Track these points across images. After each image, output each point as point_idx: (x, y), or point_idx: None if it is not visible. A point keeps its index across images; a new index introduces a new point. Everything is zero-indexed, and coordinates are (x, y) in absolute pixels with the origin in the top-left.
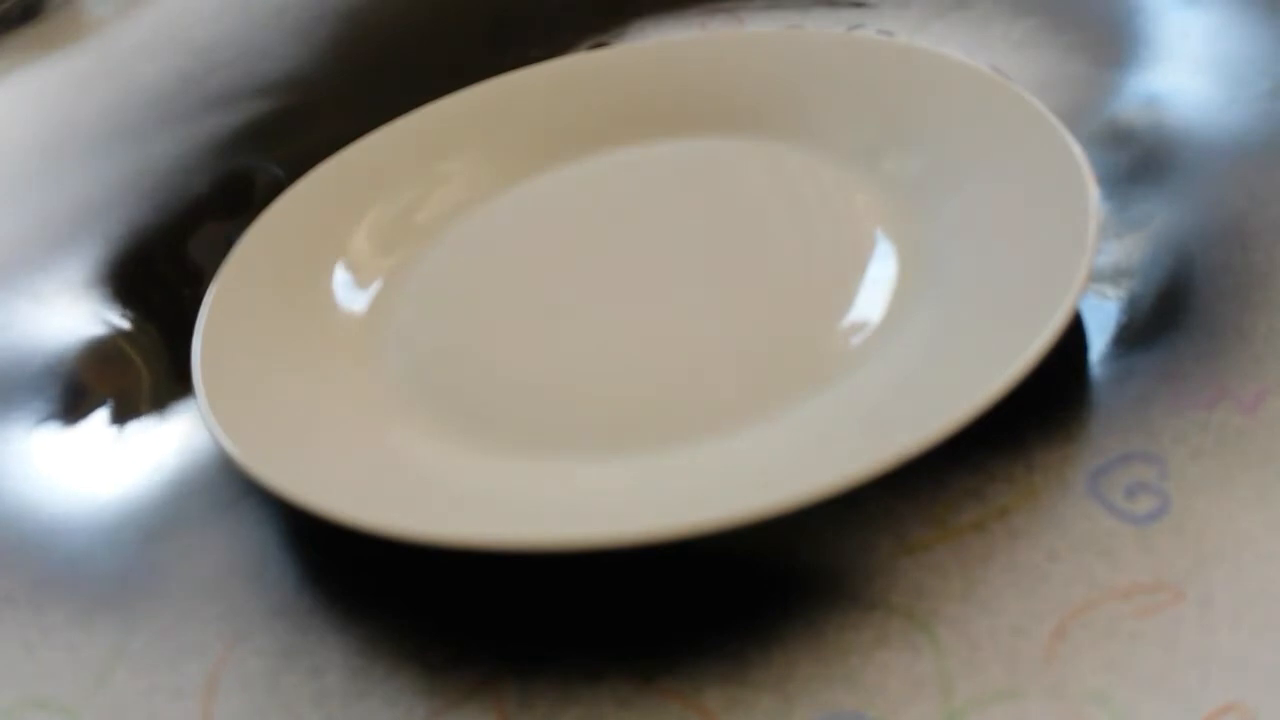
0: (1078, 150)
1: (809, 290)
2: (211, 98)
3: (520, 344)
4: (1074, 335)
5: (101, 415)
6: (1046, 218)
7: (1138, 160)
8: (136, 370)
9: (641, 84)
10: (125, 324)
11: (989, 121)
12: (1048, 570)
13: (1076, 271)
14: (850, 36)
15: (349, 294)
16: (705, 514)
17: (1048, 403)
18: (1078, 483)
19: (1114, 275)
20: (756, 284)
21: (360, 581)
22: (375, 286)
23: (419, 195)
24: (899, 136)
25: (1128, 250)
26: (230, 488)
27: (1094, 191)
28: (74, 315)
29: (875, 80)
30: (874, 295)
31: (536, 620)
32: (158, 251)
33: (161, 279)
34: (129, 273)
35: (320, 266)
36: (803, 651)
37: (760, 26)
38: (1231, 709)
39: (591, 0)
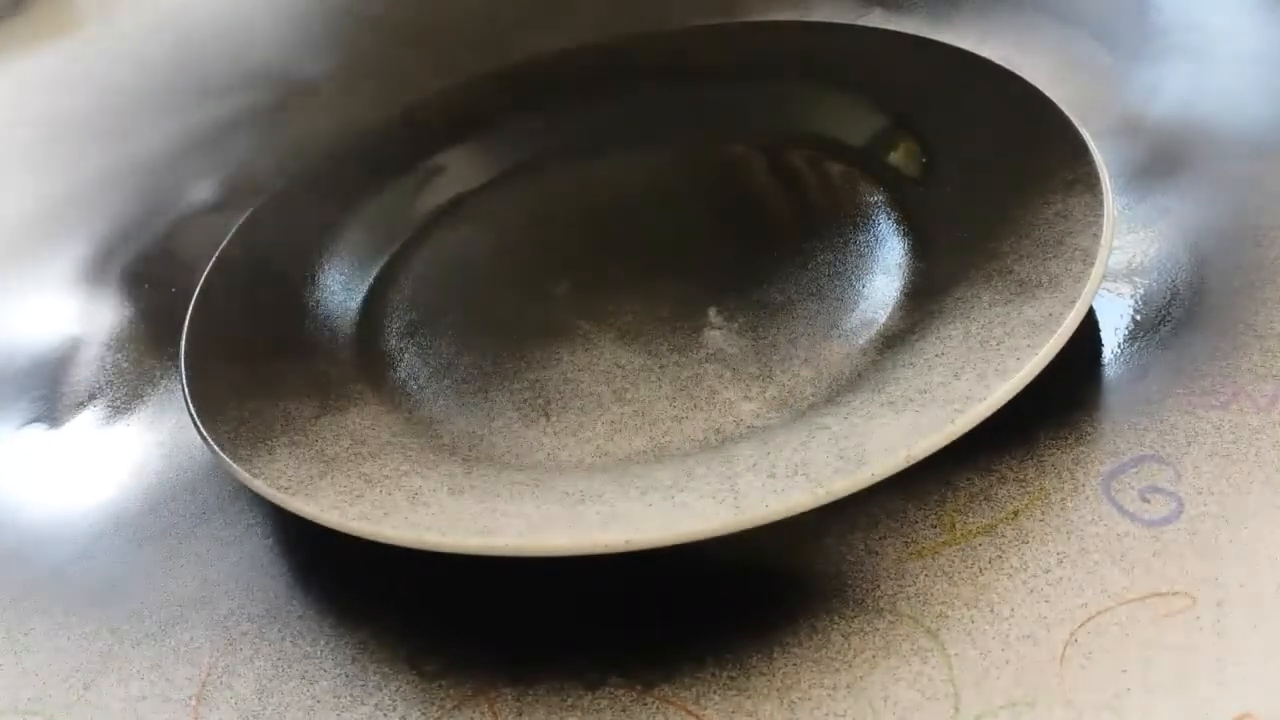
0: (1091, 145)
1: (813, 289)
2: (203, 90)
3: (514, 341)
4: (1086, 333)
5: (88, 416)
6: (1059, 213)
7: (1151, 155)
8: (123, 369)
9: (640, 76)
10: (113, 321)
11: (999, 115)
12: (1059, 575)
13: (1090, 268)
14: (858, 28)
15: (342, 289)
16: (706, 518)
17: (1060, 403)
18: (1090, 485)
19: (1127, 272)
20: (759, 282)
21: (352, 587)
22: (368, 282)
23: (415, 188)
24: (907, 129)
25: (1141, 246)
26: (220, 491)
27: (1108, 187)
28: (60, 312)
29: (883, 72)
30: (880, 294)
31: (533, 626)
32: (147, 246)
33: (151, 274)
34: (117, 268)
35: (314, 261)
36: (807, 659)
37: (766, 15)
38: (1246, 718)
39: None
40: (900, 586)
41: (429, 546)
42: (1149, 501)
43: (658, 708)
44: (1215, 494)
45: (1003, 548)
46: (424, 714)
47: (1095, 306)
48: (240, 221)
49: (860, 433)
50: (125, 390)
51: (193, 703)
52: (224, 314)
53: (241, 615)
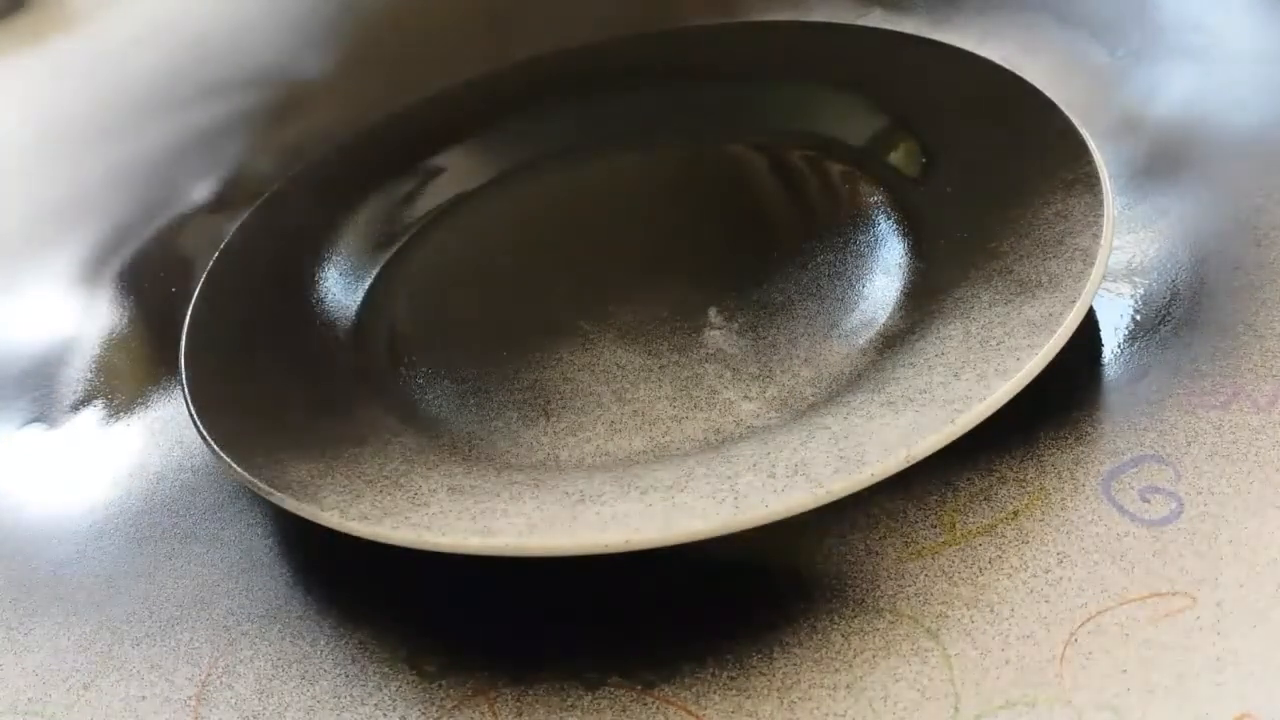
0: (1091, 145)
1: (813, 289)
2: (202, 89)
3: (514, 341)
4: (1086, 333)
5: (87, 416)
6: (1059, 213)
7: (1151, 155)
8: (122, 369)
9: (640, 76)
10: (112, 321)
11: (999, 114)
12: (1059, 575)
13: (1090, 268)
14: (858, 28)
15: (341, 290)
16: (706, 518)
17: (1060, 403)
18: (1090, 485)
19: (1127, 272)
20: (759, 282)
21: (352, 587)
22: (368, 282)
23: (413, 189)
24: (907, 129)
25: (1141, 246)
26: (220, 491)
27: (1108, 187)
28: (60, 312)
29: (883, 72)
30: (881, 294)
31: (533, 626)
32: (147, 246)
33: (150, 274)
34: (117, 268)
35: (312, 262)
36: (807, 659)
37: (766, 15)
38: (1246, 718)
39: None
40: (900, 586)
41: (429, 546)
42: (1149, 501)
43: (658, 708)
44: (1215, 494)
45: (1003, 548)
46: (424, 714)
47: (1095, 306)
48: (240, 221)
49: (860, 433)
50: (125, 390)
51: (193, 703)
52: (224, 314)
53: (241, 615)
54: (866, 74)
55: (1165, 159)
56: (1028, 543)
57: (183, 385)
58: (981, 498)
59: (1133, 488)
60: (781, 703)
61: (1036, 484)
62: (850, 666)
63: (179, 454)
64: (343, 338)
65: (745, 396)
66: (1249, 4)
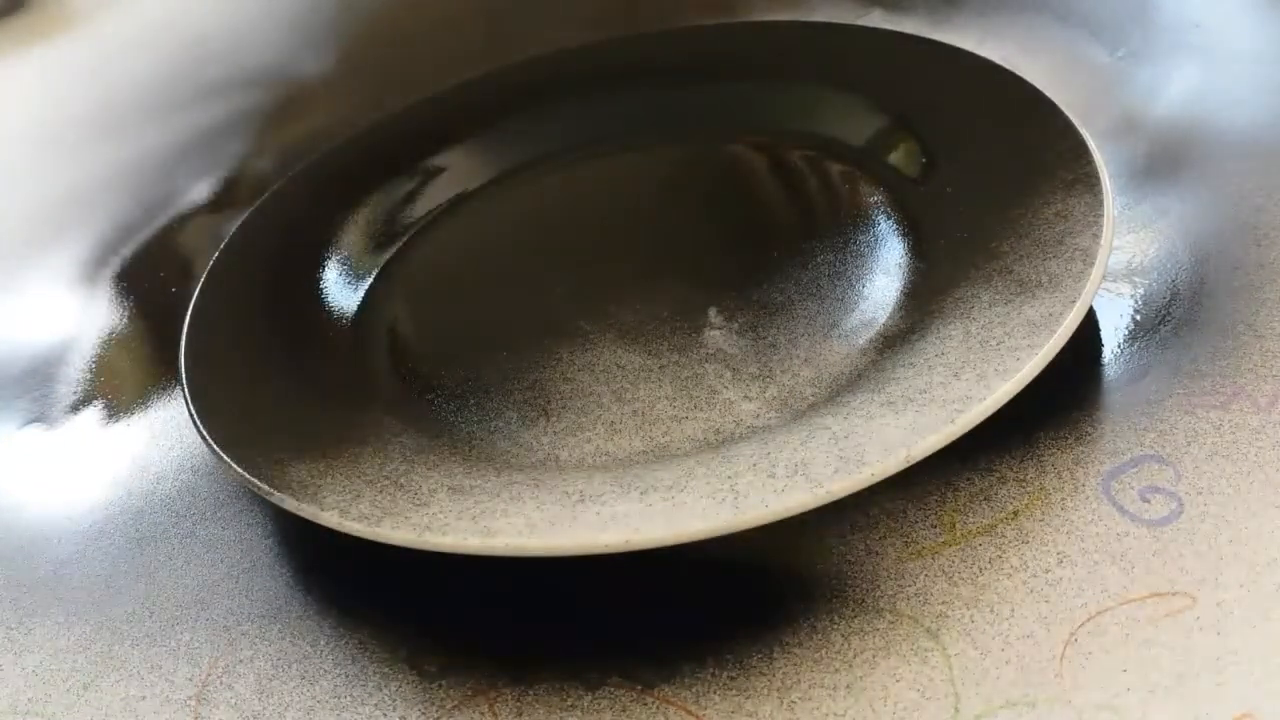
0: (1091, 145)
1: (813, 289)
2: (202, 89)
3: (514, 341)
4: (1086, 333)
5: (88, 416)
6: (1059, 213)
7: (1151, 155)
8: (122, 369)
9: (640, 76)
10: (112, 321)
11: (999, 114)
12: (1059, 575)
13: (1090, 268)
14: (858, 28)
15: (341, 290)
16: (706, 518)
17: (1060, 403)
18: (1090, 485)
19: (1127, 272)
20: (759, 282)
21: (352, 587)
22: (367, 282)
23: (413, 189)
24: (907, 129)
25: (1141, 246)
26: (220, 491)
27: (1108, 187)
28: (60, 312)
29: (883, 72)
30: (881, 294)
31: (533, 627)
32: (147, 246)
33: (150, 274)
34: (117, 268)
35: (311, 262)
36: (807, 659)
37: (766, 15)
38: (1246, 718)
39: None
40: (900, 586)
41: (429, 546)
42: (1149, 501)
43: (658, 708)
44: (1215, 494)
45: (1003, 548)
46: (424, 714)
47: (1095, 306)
48: (240, 222)
49: (860, 433)
50: (125, 390)
51: (193, 703)
52: (223, 314)
53: (241, 615)
54: (866, 74)
55: (1165, 159)
56: (1028, 543)
57: (183, 385)
58: (981, 498)
59: (1133, 488)
60: (781, 703)
61: (1036, 484)
62: (850, 666)
63: (179, 454)
64: (343, 338)
65: (745, 396)
66: (1249, 4)
